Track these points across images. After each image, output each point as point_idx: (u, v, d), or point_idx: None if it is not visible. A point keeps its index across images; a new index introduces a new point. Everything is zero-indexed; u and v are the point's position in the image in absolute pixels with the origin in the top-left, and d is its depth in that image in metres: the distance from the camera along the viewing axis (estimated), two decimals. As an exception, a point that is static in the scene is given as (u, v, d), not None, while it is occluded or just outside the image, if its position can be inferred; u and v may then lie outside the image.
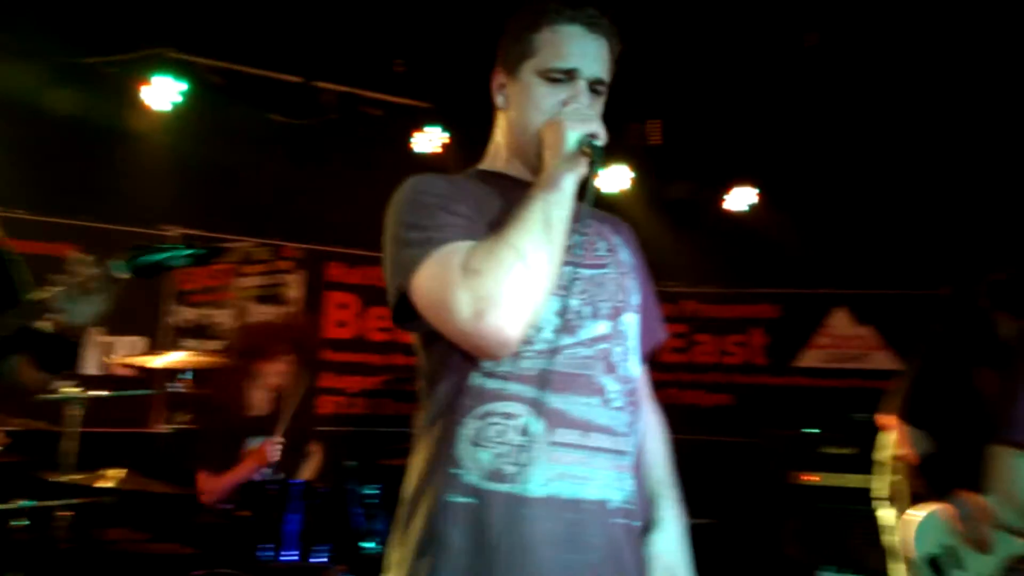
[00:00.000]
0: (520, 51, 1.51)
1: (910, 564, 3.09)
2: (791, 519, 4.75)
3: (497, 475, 1.38)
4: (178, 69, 4.30)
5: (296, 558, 3.17)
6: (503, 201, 1.48)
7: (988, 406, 3.08)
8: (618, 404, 1.47)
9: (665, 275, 5.86)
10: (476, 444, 1.39)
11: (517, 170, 1.56)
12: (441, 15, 4.10)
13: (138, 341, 4.61)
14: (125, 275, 1.79)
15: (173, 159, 4.62)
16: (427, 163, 4.85)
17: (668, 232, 5.55)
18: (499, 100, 1.57)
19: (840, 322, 5.71)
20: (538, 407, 1.39)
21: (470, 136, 4.84)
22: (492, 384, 1.41)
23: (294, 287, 5.15)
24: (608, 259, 1.54)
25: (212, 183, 4.71)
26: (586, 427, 1.42)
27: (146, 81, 4.24)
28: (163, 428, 4.58)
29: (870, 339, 5.60)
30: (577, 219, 1.40)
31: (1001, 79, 4.33)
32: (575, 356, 1.44)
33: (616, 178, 5.28)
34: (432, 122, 4.92)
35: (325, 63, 4.62)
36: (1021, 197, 4.63)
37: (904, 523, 3.15)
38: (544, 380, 1.40)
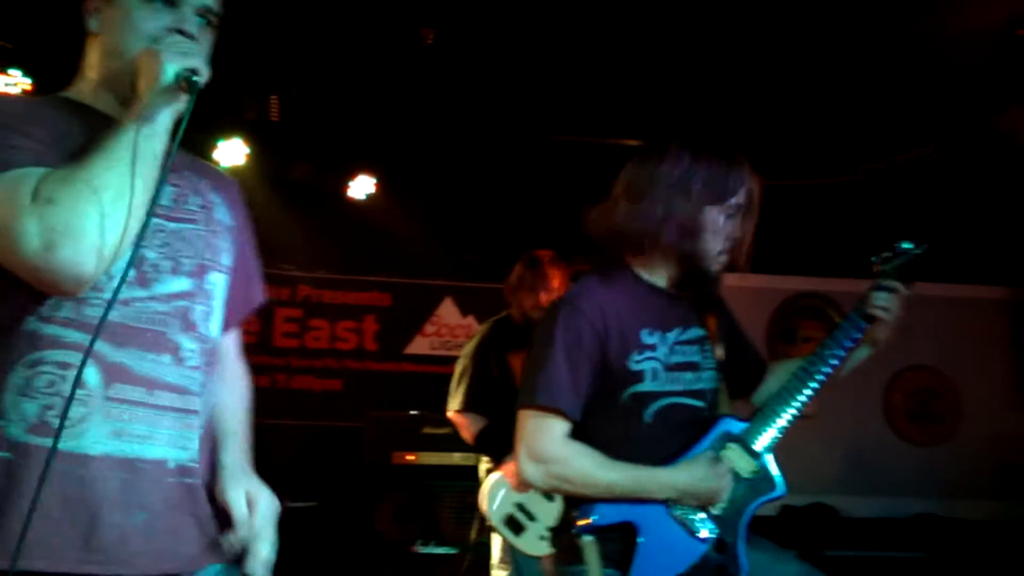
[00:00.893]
0: None
1: (493, 529, 3.36)
2: (389, 497, 4.89)
3: (43, 429, 1.28)
4: None
5: None
6: (86, 133, 1.36)
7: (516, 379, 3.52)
8: (193, 363, 1.43)
9: (281, 257, 5.74)
10: (23, 394, 1.29)
11: (105, 104, 1.43)
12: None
13: None
14: None
15: None
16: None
17: (285, 214, 5.44)
18: (91, 23, 1.44)
19: (447, 312, 6.05)
20: (98, 359, 1.31)
21: (56, 81, 4.31)
22: (49, 330, 1.31)
23: None
24: (199, 215, 1.47)
25: None
26: (152, 384, 1.36)
27: None
28: None
29: (473, 328, 6.02)
30: (171, 168, 1.33)
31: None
32: (147, 310, 1.37)
33: (231, 152, 5.06)
34: (11, 64, 4.35)
35: None
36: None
37: (481, 495, 3.42)
38: (108, 331, 1.30)
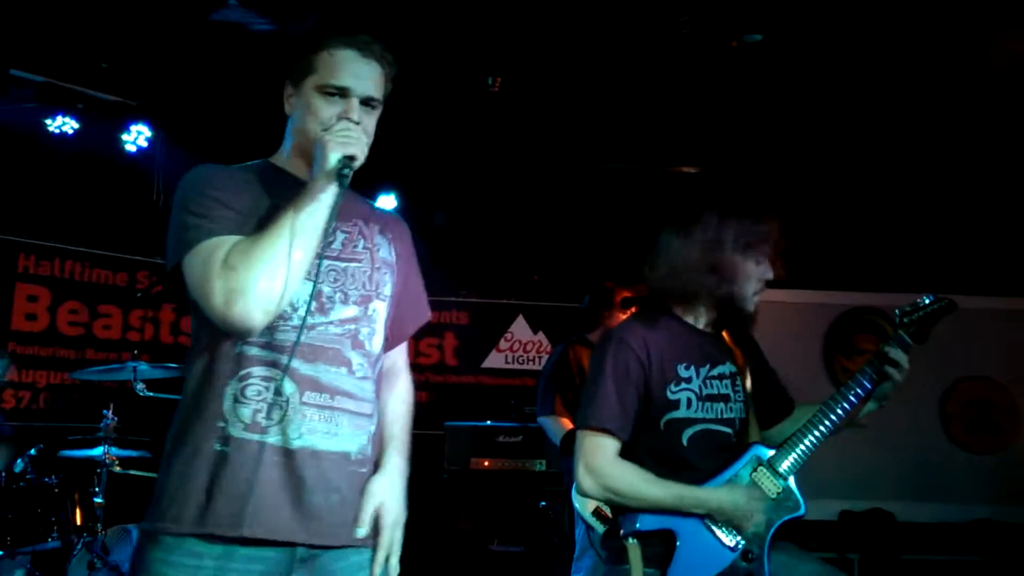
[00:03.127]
0: (303, 68, 1.75)
1: (581, 521, 3.57)
2: (468, 500, 5.29)
3: (256, 428, 1.63)
4: None
5: None
6: (279, 197, 1.70)
7: None
8: (362, 374, 1.76)
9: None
10: (238, 401, 1.64)
11: (297, 169, 1.79)
12: (151, 15, 4.18)
13: None
14: None
15: None
16: (133, 159, 4.87)
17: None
18: (286, 107, 1.81)
19: (519, 328, 6.51)
20: (292, 373, 1.66)
21: (176, 133, 4.96)
22: (252, 351, 1.66)
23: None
24: (364, 255, 1.80)
25: None
26: (333, 392, 1.69)
27: None
28: None
29: (543, 344, 6.47)
30: (342, 219, 1.73)
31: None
32: (326, 333, 1.71)
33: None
34: (137, 119, 4.93)
35: (25, 52, 4.50)
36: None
37: (568, 492, 3.66)
38: (298, 351, 1.66)
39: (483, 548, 5.18)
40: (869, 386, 2.14)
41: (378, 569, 1.72)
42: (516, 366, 6.44)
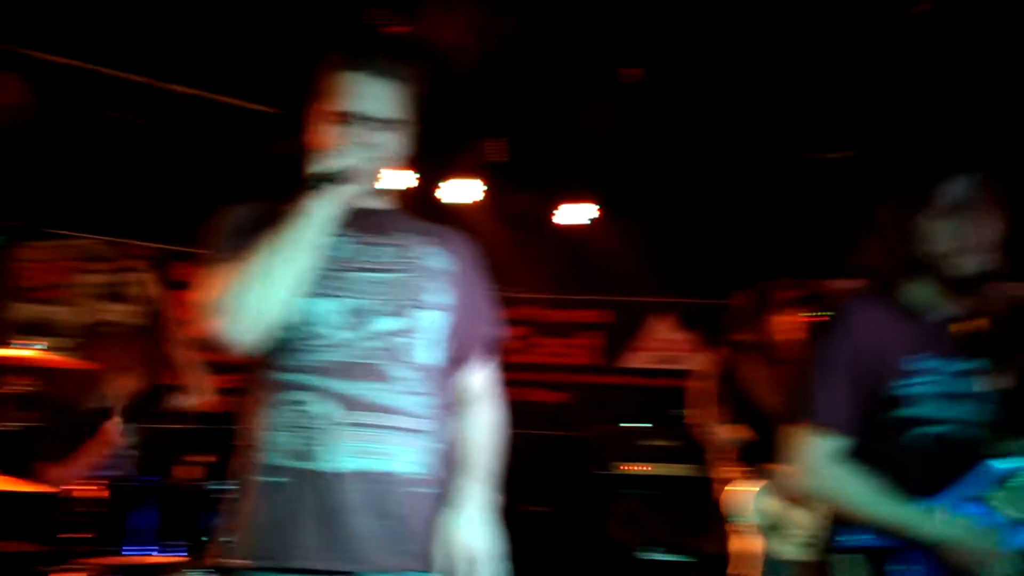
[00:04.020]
0: (319, 91, 1.74)
1: (751, 528, 3.46)
2: (615, 505, 5.16)
3: (301, 455, 1.58)
4: (22, 65, 4.25)
5: (151, 554, 3.19)
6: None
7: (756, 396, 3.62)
8: (415, 389, 1.66)
9: (510, 281, 6.24)
10: (278, 429, 1.60)
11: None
12: (295, 21, 4.26)
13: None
14: None
15: (21, 155, 4.54)
16: (281, 166, 4.98)
17: (515, 242, 5.93)
18: (307, 133, 1.79)
19: (664, 327, 6.27)
20: (336, 394, 1.59)
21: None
22: (289, 376, 1.62)
23: (143, 285, 5.14)
24: (404, 265, 1.72)
25: (61, 180, 4.66)
26: (382, 410, 1.61)
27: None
28: (6, 426, 4.48)
29: (689, 343, 6.19)
30: (384, 231, 1.70)
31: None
32: (364, 348, 1.63)
33: (468, 191, 5.62)
34: (283, 128, 5.04)
35: (177, 65, 4.69)
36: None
37: (729, 502, 3.56)
38: (340, 370, 1.60)
39: (630, 556, 5.02)
40: None
41: None
42: (659, 365, 6.20)
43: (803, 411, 1.87)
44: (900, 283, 1.94)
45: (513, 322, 6.58)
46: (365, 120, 1.70)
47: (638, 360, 6.29)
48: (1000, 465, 1.82)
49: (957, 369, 1.88)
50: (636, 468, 5.23)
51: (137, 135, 4.80)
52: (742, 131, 5.26)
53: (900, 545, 1.79)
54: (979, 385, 1.89)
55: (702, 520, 4.69)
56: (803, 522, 3.29)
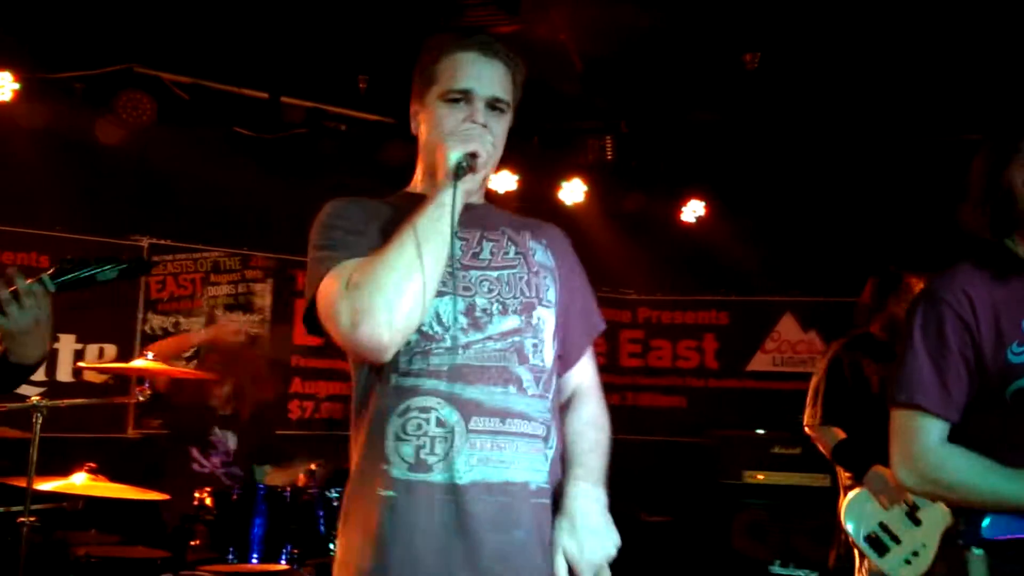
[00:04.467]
0: (425, 81, 1.66)
1: (855, 548, 3.32)
2: (741, 516, 4.96)
3: (421, 466, 1.48)
4: (147, 84, 4.44)
5: (254, 561, 3.22)
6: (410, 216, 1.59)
7: (874, 391, 3.36)
8: (533, 392, 1.57)
9: (622, 283, 6.10)
10: (399, 439, 1.50)
11: (429, 189, 1.64)
12: (404, 31, 4.28)
13: (108, 348, 4.71)
14: (52, 290, 1.73)
15: (144, 172, 4.75)
16: (391, 176, 5.02)
17: (623, 243, 5.79)
18: (413, 127, 1.71)
19: (787, 328, 5.98)
20: (453, 399, 1.50)
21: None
22: (408, 382, 1.52)
23: (263, 295, 5.28)
24: (517, 261, 1.64)
25: (182, 195, 4.84)
26: (504, 414, 1.51)
27: (116, 96, 4.36)
28: (133, 433, 4.69)
29: (816, 344, 5.87)
30: (491, 227, 1.63)
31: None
32: (485, 349, 1.54)
33: (572, 192, 5.52)
34: (395, 137, 5.10)
35: (291, 79, 4.79)
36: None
37: (841, 510, 3.41)
38: (456, 374, 1.51)
39: (762, 570, 4.78)
40: None
41: None
42: (785, 368, 5.91)
43: (905, 394, 1.72)
44: (1002, 241, 1.77)
45: (630, 325, 6.42)
46: (483, 99, 1.62)
47: (759, 363, 6.02)
48: None
49: None
50: (761, 477, 4.99)
51: (258, 150, 4.93)
52: (864, 116, 4.96)
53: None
54: None
55: (830, 532, 4.45)
56: (911, 536, 3.12)
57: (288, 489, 3.41)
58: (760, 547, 4.85)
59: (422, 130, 1.68)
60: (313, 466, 3.68)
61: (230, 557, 3.21)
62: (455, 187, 1.51)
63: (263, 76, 4.76)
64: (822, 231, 5.56)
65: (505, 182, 5.27)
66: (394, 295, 1.44)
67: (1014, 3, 3.78)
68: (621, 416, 5.89)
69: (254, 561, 3.21)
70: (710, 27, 4.27)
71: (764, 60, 4.49)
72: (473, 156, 1.53)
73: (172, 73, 4.62)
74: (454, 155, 1.53)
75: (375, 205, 1.67)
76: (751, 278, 5.93)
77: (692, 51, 4.48)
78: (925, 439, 1.70)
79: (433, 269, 1.47)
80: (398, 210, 1.61)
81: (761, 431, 5.15)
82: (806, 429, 3.63)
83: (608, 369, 5.86)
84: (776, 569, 4.74)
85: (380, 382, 1.54)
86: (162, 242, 4.85)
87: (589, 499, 1.56)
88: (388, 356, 1.49)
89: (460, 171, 1.52)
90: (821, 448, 3.56)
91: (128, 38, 4.34)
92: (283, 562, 3.25)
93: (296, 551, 3.28)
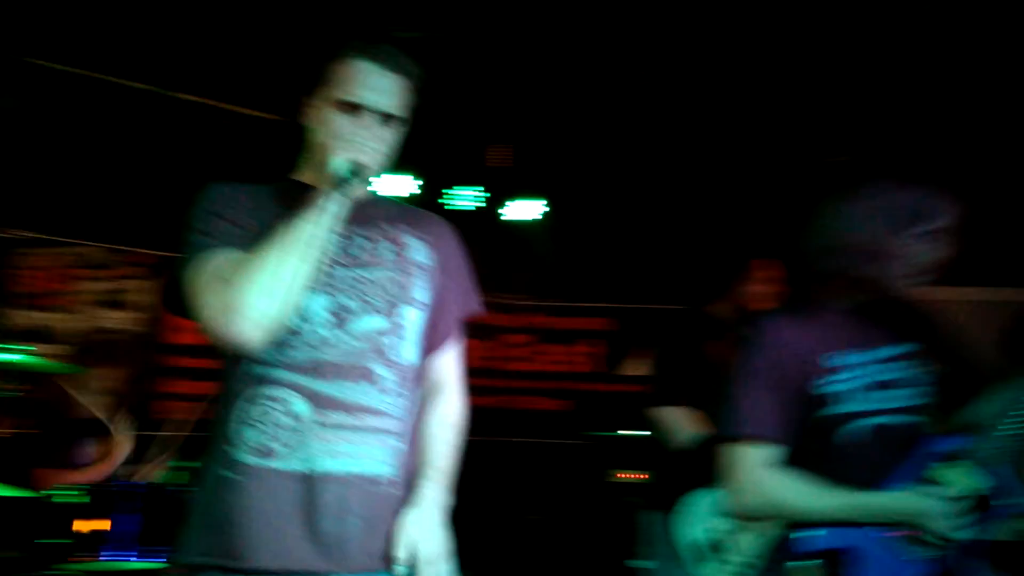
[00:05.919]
0: (320, 79, 1.67)
1: (690, 550, 3.09)
2: (609, 514, 5.12)
3: (266, 452, 1.54)
4: (25, 73, 4.30)
5: (135, 559, 3.20)
6: (291, 211, 1.60)
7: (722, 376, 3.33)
8: (392, 390, 1.63)
9: (510, 288, 6.23)
10: (245, 423, 1.56)
11: (314, 182, 1.67)
12: (300, 29, 4.26)
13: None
14: None
15: (18, 164, 4.59)
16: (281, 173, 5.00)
17: (515, 250, 5.92)
18: (305, 119, 1.71)
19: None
20: (307, 392, 1.56)
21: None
22: (262, 371, 1.57)
23: (140, 292, 5.17)
24: (389, 259, 1.67)
25: (58, 188, 4.71)
26: (357, 409, 1.57)
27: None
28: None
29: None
30: (367, 224, 1.66)
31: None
32: (347, 347, 1.59)
33: (468, 199, 5.63)
34: (283, 135, 5.11)
35: (179, 72, 4.70)
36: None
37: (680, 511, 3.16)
38: (315, 369, 1.56)
39: (620, 565, 4.97)
40: None
41: None
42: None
43: (732, 428, 1.88)
44: (834, 286, 1.94)
45: (517, 330, 6.52)
46: (376, 113, 1.64)
47: (640, 368, 6.24)
48: (942, 444, 1.84)
49: (884, 356, 1.89)
50: (632, 476, 5.19)
51: (138, 142, 4.82)
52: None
53: (855, 543, 1.79)
54: (909, 370, 1.89)
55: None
56: (735, 545, 2.95)
57: (167, 486, 3.38)
58: (624, 543, 5.02)
59: (311, 123, 1.69)
60: (192, 464, 3.63)
61: (101, 556, 3.16)
62: (338, 194, 1.56)
63: (150, 67, 4.65)
64: (705, 245, 5.82)
65: (402, 186, 5.35)
66: (265, 296, 1.48)
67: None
68: (504, 419, 6.08)
69: (126, 560, 3.17)
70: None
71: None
72: (360, 166, 1.58)
73: (51, 61, 4.48)
74: (341, 163, 1.58)
75: (259, 193, 1.68)
76: (639, 286, 6.13)
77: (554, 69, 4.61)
78: (752, 465, 1.86)
79: (306, 273, 1.53)
80: (282, 200, 1.64)
81: (627, 432, 5.31)
82: (650, 411, 3.30)
83: (492, 373, 5.99)
84: (635, 563, 4.92)
85: (235, 367, 1.59)
86: (42, 236, 4.71)
87: (432, 500, 1.65)
88: (254, 353, 1.54)
89: (345, 180, 1.57)
90: (667, 433, 3.24)
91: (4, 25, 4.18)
92: (156, 560, 3.19)
93: (172, 549, 3.22)
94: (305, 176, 1.72)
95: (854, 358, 1.88)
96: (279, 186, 1.72)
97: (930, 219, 1.85)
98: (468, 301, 1.81)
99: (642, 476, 5.07)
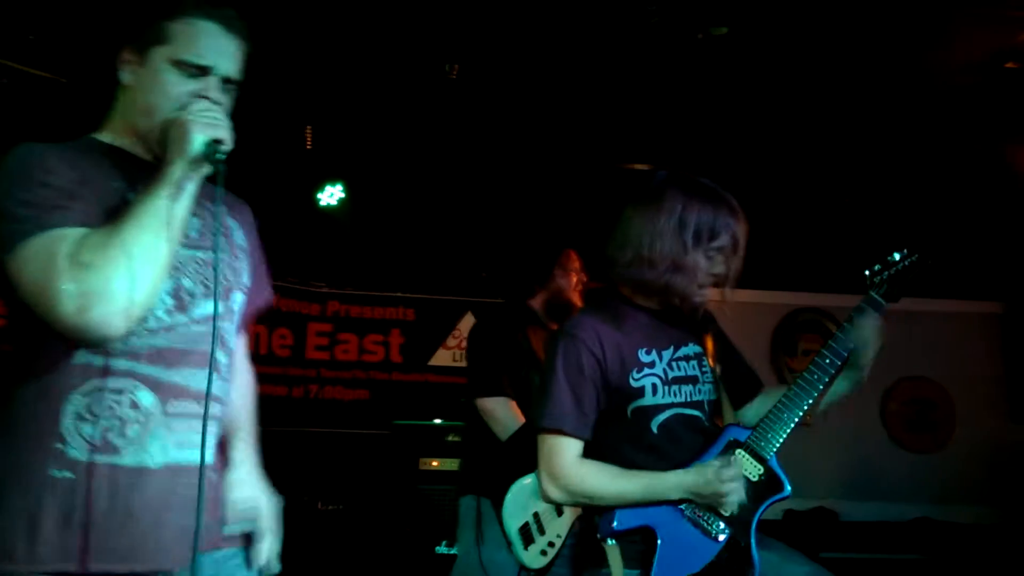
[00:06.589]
0: (153, 35, 1.53)
1: (512, 534, 3.09)
2: (414, 501, 5.18)
3: (107, 448, 1.42)
4: None
5: None
6: (122, 181, 1.51)
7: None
8: (226, 375, 1.62)
9: (312, 275, 6.10)
10: (82, 419, 1.42)
11: (134, 147, 1.58)
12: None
13: None
14: None
15: None
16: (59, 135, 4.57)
17: (316, 236, 5.81)
18: (123, 76, 1.57)
19: (467, 326, 6.37)
20: (151, 382, 1.46)
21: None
22: (99, 361, 1.44)
23: None
24: (221, 242, 1.59)
25: None
26: (203, 397, 1.47)
27: None
28: None
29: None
30: (197, 203, 1.53)
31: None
32: (189, 332, 1.51)
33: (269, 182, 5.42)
34: (67, 97, 4.68)
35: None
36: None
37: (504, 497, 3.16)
38: (158, 356, 1.46)
39: (428, 551, 5.05)
40: (844, 353, 2.07)
41: (263, 560, 1.63)
42: (464, 364, 6.27)
43: (548, 420, 2.03)
44: (636, 290, 2.14)
45: (319, 318, 6.39)
46: (220, 77, 1.55)
47: (440, 358, 6.35)
48: (737, 433, 2.08)
49: (680, 355, 2.11)
50: (435, 464, 5.27)
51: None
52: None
53: (653, 520, 1.99)
54: (697, 368, 2.13)
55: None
56: (553, 526, 3.04)
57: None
58: (427, 530, 5.10)
59: (138, 85, 1.55)
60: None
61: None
62: (211, 172, 1.46)
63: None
64: (498, 238, 6.03)
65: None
66: (134, 281, 1.36)
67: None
68: (306, 408, 5.94)
69: None
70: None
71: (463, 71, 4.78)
72: (218, 143, 1.47)
73: None
74: (199, 140, 1.45)
75: (73, 156, 1.50)
76: (437, 277, 6.24)
77: (390, 57, 4.63)
78: (566, 458, 2.01)
79: (169, 256, 1.43)
80: (107, 167, 1.51)
81: (438, 421, 5.41)
82: (480, 401, 3.36)
83: (294, 362, 5.84)
84: (441, 549, 5.03)
85: (60, 355, 1.43)
86: None
87: (252, 461, 1.69)
88: (110, 343, 1.42)
89: (203, 157, 1.46)
90: (498, 423, 3.31)
91: None
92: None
93: None
94: (121, 140, 1.59)
95: (659, 355, 2.08)
96: (92, 148, 1.57)
97: (726, 235, 2.06)
98: (266, 287, 1.80)
99: (451, 463, 5.21)
